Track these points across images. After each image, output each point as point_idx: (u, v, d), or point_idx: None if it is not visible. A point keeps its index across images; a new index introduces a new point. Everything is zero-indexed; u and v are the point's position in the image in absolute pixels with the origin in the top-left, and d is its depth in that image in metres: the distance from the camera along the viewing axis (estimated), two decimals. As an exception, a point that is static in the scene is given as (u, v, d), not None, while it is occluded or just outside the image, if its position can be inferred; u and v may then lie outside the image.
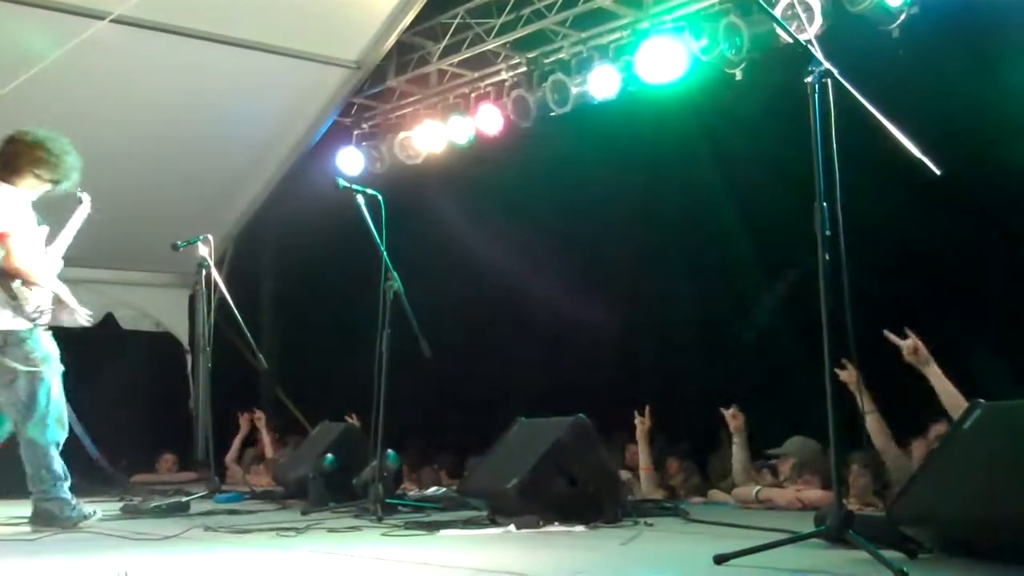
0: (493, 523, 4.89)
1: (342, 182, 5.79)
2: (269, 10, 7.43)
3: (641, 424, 6.32)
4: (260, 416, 8.60)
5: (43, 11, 6.91)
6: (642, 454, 6.36)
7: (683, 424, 6.58)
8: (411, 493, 6.73)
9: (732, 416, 5.96)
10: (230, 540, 4.74)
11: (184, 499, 6.27)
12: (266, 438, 8.53)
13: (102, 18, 6.56)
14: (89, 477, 8.04)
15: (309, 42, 7.84)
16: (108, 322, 9.24)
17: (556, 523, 4.75)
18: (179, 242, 7.11)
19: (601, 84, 7.07)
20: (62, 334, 9.16)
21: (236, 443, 8.76)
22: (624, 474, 6.10)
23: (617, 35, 7.11)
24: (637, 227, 7.42)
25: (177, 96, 7.90)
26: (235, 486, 7.67)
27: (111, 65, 7.38)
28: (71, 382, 9.32)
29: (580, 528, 4.72)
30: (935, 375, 4.70)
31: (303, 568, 3.87)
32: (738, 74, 6.37)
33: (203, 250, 6.99)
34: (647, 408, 6.29)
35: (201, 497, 6.66)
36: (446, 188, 8.33)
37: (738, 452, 6.00)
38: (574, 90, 7.23)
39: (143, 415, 9.45)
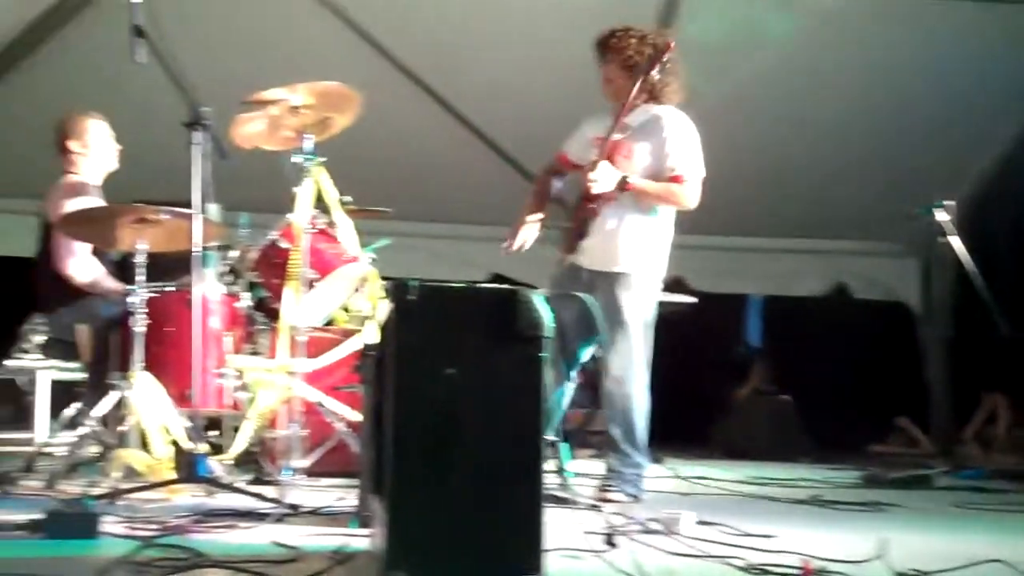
0: None
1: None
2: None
3: None
4: (1002, 400, 8.10)
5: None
6: None
7: None
8: None
9: None
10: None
11: (926, 472, 6.10)
12: (1003, 420, 8.03)
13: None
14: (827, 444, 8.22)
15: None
16: (840, 292, 9.29)
17: None
18: (916, 210, 6.89)
19: None
20: (790, 303, 9.49)
21: (977, 420, 8.32)
22: None
23: None
24: None
25: (907, 62, 7.67)
26: (974, 462, 7.26)
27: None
28: (802, 349, 9.62)
29: None
30: None
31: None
32: None
33: (941, 216, 6.71)
34: None
35: (942, 472, 6.41)
36: None
37: None
38: None
39: (876, 385, 9.38)
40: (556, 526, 2.98)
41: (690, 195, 4.67)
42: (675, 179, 4.65)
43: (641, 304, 4.61)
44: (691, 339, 9.21)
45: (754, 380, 9.31)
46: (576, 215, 4.73)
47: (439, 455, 2.68)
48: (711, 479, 5.83)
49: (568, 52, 7.67)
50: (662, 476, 5.78)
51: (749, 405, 8.98)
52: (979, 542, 3.69)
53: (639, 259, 4.68)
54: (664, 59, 4.59)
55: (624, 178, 4.58)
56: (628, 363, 4.62)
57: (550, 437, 4.17)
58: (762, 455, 7.77)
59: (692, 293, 7.81)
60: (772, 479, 5.94)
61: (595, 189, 4.57)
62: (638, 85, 4.56)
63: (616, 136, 4.65)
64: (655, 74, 4.61)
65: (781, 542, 3.52)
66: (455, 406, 2.69)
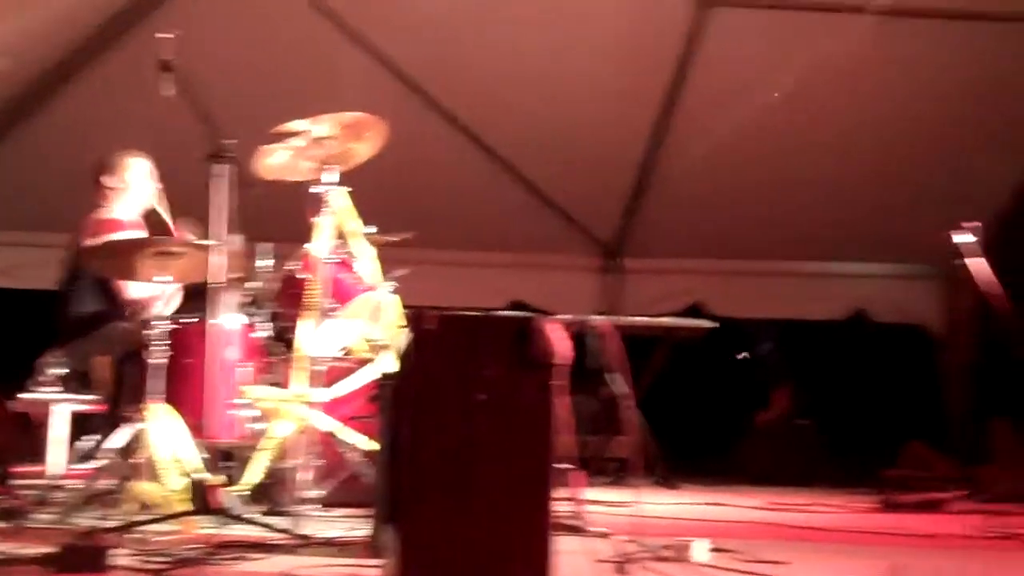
0: None
1: None
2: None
3: None
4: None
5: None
6: None
7: None
8: None
9: None
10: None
11: (942, 497, 6.05)
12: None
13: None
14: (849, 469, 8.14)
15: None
16: (860, 316, 9.25)
17: None
18: (950, 231, 6.82)
19: None
20: (810, 328, 9.43)
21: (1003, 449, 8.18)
22: None
23: None
24: None
25: (937, 83, 7.66)
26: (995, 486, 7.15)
27: (874, 59, 7.40)
28: (823, 374, 9.56)
29: None
30: None
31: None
32: None
33: (964, 238, 6.64)
34: None
35: (959, 497, 6.31)
36: None
37: None
38: None
39: (896, 409, 9.31)
40: (568, 554, 2.97)
41: None
42: None
43: None
44: (712, 364, 9.21)
45: (776, 405, 9.27)
46: None
47: (453, 484, 2.69)
48: (729, 505, 5.80)
49: (596, 83, 7.78)
50: (678, 502, 5.75)
51: (771, 430, 8.93)
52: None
53: None
54: None
55: None
56: None
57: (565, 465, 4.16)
58: (783, 480, 7.72)
59: (712, 318, 7.80)
60: (792, 505, 5.89)
61: None
62: None
63: None
64: None
65: (795, 569, 3.49)
66: (470, 435, 2.70)
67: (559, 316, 5.26)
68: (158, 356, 4.51)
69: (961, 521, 5.27)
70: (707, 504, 5.81)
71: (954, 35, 7.36)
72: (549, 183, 8.59)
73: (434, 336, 2.73)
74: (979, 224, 6.68)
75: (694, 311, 8.65)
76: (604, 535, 3.92)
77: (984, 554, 4.24)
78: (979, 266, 6.56)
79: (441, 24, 7.39)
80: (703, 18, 7.33)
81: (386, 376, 3.42)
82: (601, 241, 9.19)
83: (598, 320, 6.15)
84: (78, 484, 4.75)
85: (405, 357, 3.00)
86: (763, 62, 7.47)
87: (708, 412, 9.30)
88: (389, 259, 5.63)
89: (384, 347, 5.19)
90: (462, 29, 7.44)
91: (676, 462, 7.40)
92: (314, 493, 4.47)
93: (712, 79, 7.66)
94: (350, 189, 4.94)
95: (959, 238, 6.63)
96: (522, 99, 7.84)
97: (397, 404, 3.14)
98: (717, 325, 7.46)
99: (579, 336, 5.87)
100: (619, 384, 6.81)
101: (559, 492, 3.04)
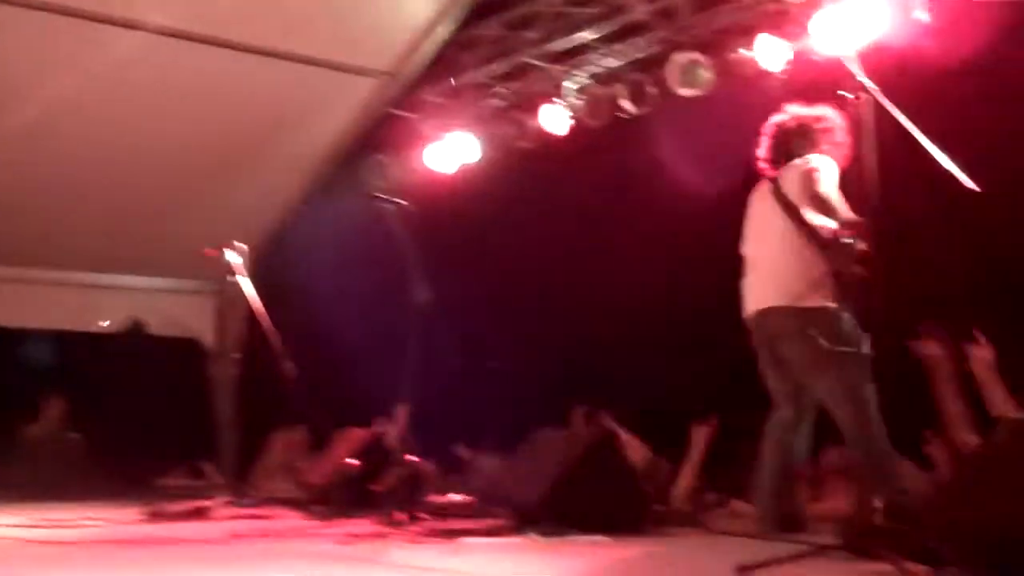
0: (517, 531, 4.92)
1: (374, 193, 5.85)
2: (302, 20, 7.44)
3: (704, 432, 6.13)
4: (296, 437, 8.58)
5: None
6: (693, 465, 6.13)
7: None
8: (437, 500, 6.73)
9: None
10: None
11: (206, 504, 6.32)
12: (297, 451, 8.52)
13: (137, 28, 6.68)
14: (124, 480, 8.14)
15: (342, 52, 7.83)
16: (135, 328, 9.33)
17: (582, 532, 4.77)
18: (210, 249, 7.15)
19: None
20: (85, 339, 9.33)
21: (268, 457, 8.69)
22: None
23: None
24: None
25: (210, 106, 7.95)
26: (256, 492, 7.68)
27: (149, 76, 7.46)
28: (97, 386, 9.48)
29: (604, 538, 4.72)
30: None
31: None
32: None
33: (232, 258, 7.03)
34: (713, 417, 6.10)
35: (224, 503, 6.65)
36: (477, 196, 8.22)
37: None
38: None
39: (171, 420, 9.50)
40: None
41: None
42: None
43: None
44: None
45: (46, 418, 8.98)
46: None
47: None
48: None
49: None
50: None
51: (40, 444, 8.64)
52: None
53: None
54: None
55: None
56: None
57: None
58: (53, 495, 7.48)
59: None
60: (57, 521, 5.74)
61: None
62: None
63: None
64: None
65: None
66: None
67: None
68: None
69: (223, 525, 5.59)
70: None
71: (238, 65, 7.67)
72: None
73: None
74: (246, 246, 7.14)
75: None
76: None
77: (244, 552, 4.55)
78: (245, 284, 7.00)
79: None
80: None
81: None
82: None
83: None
84: None
85: None
86: (40, 65, 7.21)
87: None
88: None
89: None
90: None
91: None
92: None
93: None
94: None
95: (230, 257, 7.04)
96: None
97: None
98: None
99: None
100: None
101: None
